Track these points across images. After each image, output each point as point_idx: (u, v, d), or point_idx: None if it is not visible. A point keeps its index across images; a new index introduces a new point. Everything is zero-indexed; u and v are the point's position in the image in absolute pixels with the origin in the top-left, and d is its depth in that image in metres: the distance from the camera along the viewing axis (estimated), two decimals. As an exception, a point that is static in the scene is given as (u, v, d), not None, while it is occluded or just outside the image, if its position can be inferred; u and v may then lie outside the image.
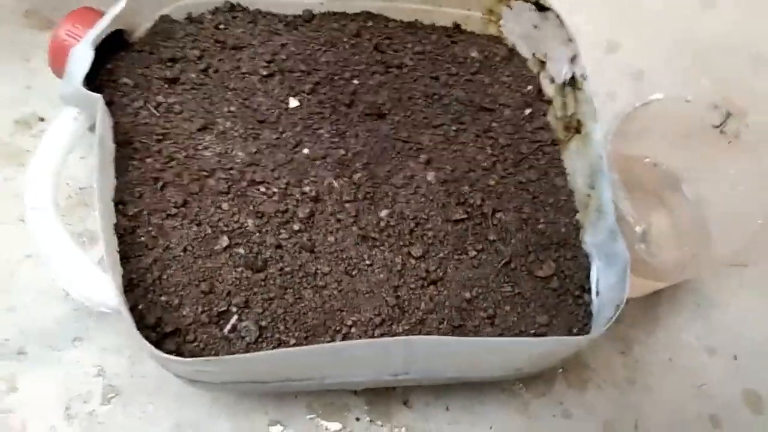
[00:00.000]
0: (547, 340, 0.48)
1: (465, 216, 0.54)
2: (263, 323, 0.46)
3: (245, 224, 0.49)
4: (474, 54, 0.63)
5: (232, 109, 0.54)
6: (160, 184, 0.49)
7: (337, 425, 0.54)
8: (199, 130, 0.52)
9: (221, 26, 0.58)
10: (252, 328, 0.45)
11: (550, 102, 0.61)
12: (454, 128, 0.58)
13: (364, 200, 0.52)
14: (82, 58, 0.47)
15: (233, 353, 0.44)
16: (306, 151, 0.54)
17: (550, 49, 0.61)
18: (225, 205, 0.49)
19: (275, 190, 0.51)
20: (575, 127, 0.57)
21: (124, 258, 0.45)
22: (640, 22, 0.83)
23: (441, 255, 0.52)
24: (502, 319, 0.50)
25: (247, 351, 0.45)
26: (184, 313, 0.45)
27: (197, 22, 0.58)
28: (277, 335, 0.46)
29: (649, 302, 0.64)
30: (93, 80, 0.50)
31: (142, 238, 0.47)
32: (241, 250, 0.48)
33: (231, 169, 0.51)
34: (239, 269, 0.47)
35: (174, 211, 0.48)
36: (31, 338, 0.54)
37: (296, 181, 0.52)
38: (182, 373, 0.44)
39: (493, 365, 0.50)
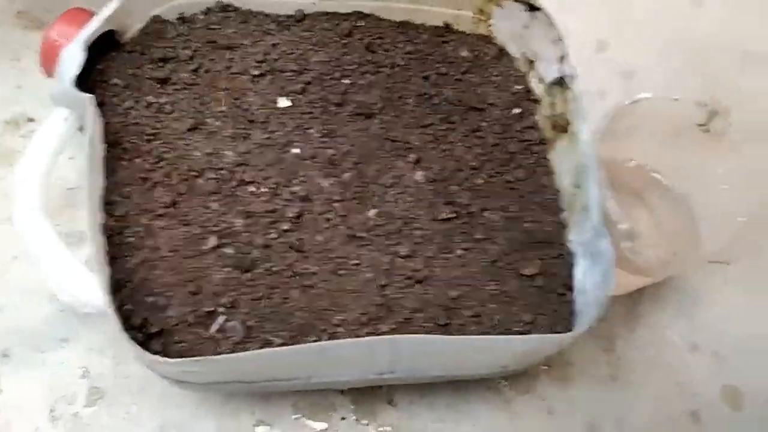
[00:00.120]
0: (531, 337, 0.49)
1: (452, 215, 0.54)
2: (250, 323, 0.46)
3: (234, 224, 0.50)
4: (464, 53, 0.63)
5: (223, 109, 0.54)
6: (149, 184, 0.49)
7: (322, 425, 0.55)
8: (189, 130, 0.52)
9: (213, 26, 0.58)
10: (239, 328, 0.46)
11: (538, 101, 0.62)
12: (443, 128, 0.59)
13: (353, 200, 0.53)
14: (73, 58, 0.48)
15: (220, 353, 0.44)
16: (296, 150, 0.54)
17: (539, 48, 0.61)
18: (214, 205, 0.50)
19: (264, 189, 0.52)
20: (563, 127, 0.58)
21: (112, 258, 0.46)
22: (629, 22, 0.83)
23: (428, 254, 0.52)
24: (487, 317, 0.51)
25: (233, 351, 0.45)
26: (171, 313, 0.45)
27: (189, 23, 0.58)
28: (263, 335, 0.46)
29: (632, 300, 0.65)
30: (84, 81, 0.51)
31: (131, 239, 0.47)
32: (230, 250, 0.48)
33: (220, 169, 0.52)
34: (227, 269, 0.48)
35: (162, 211, 0.49)
36: (16, 339, 0.55)
37: (285, 181, 0.52)
38: (168, 373, 0.44)
39: (478, 363, 0.51)
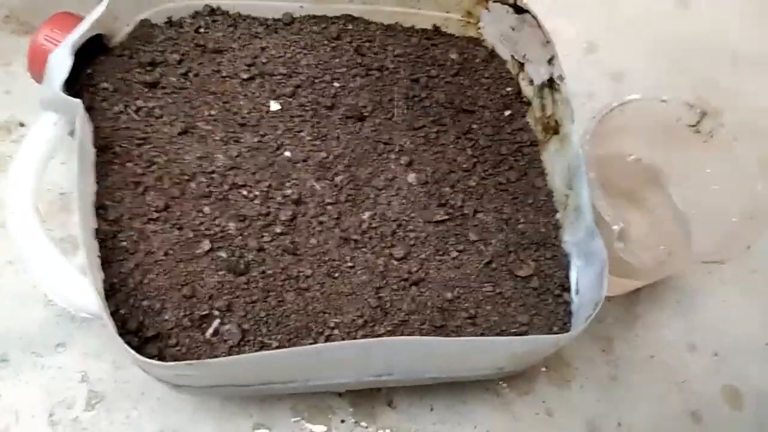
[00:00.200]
0: (527, 339, 0.49)
1: (446, 217, 0.54)
2: (246, 326, 0.46)
3: (227, 228, 0.49)
4: (454, 56, 0.63)
5: (213, 112, 0.54)
6: (141, 188, 0.49)
7: (321, 428, 0.55)
8: (179, 134, 0.52)
9: (201, 30, 0.58)
10: (234, 331, 0.45)
11: (529, 103, 0.62)
12: (434, 130, 0.59)
13: (346, 202, 0.53)
14: (60, 62, 0.47)
15: (216, 357, 0.44)
16: (287, 153, 0.54)
17: (529, 50, 0.61)
18: (206, 209, 0.50)
19: (257, 193, 0.51)
20: (554, 128, 0.58)
21: (106, 263, 0.45)
22: (618, 24, 0.84)
23: (423, 256, 0.52)
24: (483, 318, 0.51)
25: (229, 354, 0.45)
26: (166, 317, 0.45)
27: (177, 26, 0.58)
28: (259, 338, 0.46)
29: (629, 300, 0.65)
30: (72, 85, 0.50)
31: (124, 243, 0.47)
32: (223, 254, 0.48)
33: (212, 172, 0.51)
34: (221, 273, 0.47)
35: (155, 215, 0.48)
36: (13, 344, 0.54)
37: (278, 184, 0.52)
38: (165, 377, 0.44)
39: (474, 365, 0.50)
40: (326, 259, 0.50)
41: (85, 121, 0.47)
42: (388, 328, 0.48)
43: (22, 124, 0.63)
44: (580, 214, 0.53)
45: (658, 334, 0.64)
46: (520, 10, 0.60)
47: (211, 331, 0.45)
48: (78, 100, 0.47)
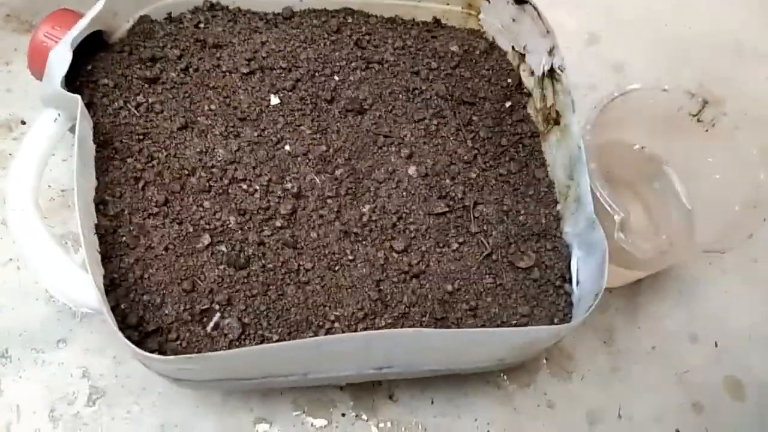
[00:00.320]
0: (527, 330, 0.49)
1: (447, 209, 0.54)
2: (246, 320, 0.46)
3: (227, 222, 0.49)
4: (454, 48, 0.63)
5: (213, 107, 0.54)
6: (141, 183, 0.49)
7: (323, 421, 0.55)
8: (179, 129, 0.52)
9: (201, 25, 0.58)
10: (235, 325, 0.46)
11: (529, 94, 0.62)
12: (434, 122, 0.59)
13: (346, 196, 0.53)
14: (60, 59, 0.47)
15: (216, 351, 0.44)
16: (287, 147, 0.54)
17: (529, 41, 0.61)
18: (207, 203, 0.50)
19: (257, 187, 0.51)
20: (554, 119, 0.58)
21: (106, 258, 0.46)
22: (620, 15, 0.84)
23: (423, 248, 0.52)
24: (484, 310, 0.51)
25: (230, 348, 0.45)
26: (167, 311, 0.45)
27: (177, 22, 0.58)
28: (260, 332, 0.46)
29: (631, 291, 0.65)
30: (73, 81, 0.51)
31: (124, 238, 0.47)
32: (224, 248, 0.48)
33: (212, 167, 0.51)
34: (221, 267, 0.48)
35: (155, 210, 0.48)
36: (14, 341, 0.54)
37: (278, 178, 0.52)
38: (166, 371, 0.44)
39: (474, 356, 0.51)
40: (326, 252, 0.50)
41: (85, 117, 0.48)
42: (389, 321, 0.49)
43: (23, 122, 0.63)
44: (580, 205, 0.53)
45: (659, 325, 0.64)
46: (520, 1, 0.60)
47: (211, 325, 0.46)
48: (77, 96, 0.47)
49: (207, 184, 0.50)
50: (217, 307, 0.46)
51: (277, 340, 0.46)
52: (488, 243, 0.53)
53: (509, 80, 0.63)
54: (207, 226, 0.49)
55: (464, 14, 0.65)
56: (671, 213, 0.63)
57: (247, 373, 0.46)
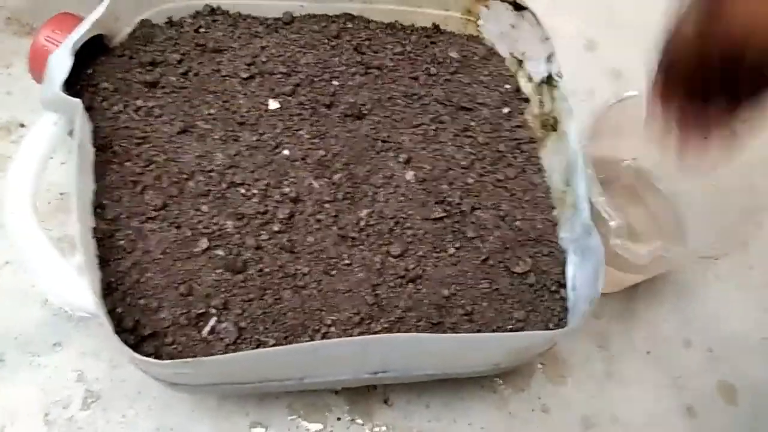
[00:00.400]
0: (522, 335, 0.49)
1: (444, 214, 0.54)
2: (242, 324, 0.46)
3: (225, 226, 0.50)
4: (453, 54, 0.64)
5: (212, 111, 0.54)
6: (139, 187, 0.49)
7: (318, 425, 0.55)
8: (178, 133, 0.53)
9: (201, 30, 0.59)
10: (231, 329, 0.46)
11: (527, 100, 0.62)
12: (433, 128, 0.59)
13: (344, 200, 0.53)
14: (60, 63, 0.47)
15: (212, 355, 0.44)
16: (286, 152, 0.54)
17: (527, 48, 0.62)
18: (204, 207, 0.50)
19: (255, 191, 0.52)
20: (552, 125, 0.58)
21: (103, 261, 0.46)
22: (618, 21, 0.84)
23: (420, 253, 0.52)
24: (479, 315, 0.51)
25: (226, 352, 0.45)
26: (163, 315, 0.45)
27: (177, 26, 0.58)
28: (256, 336, 0.46)
29: (626, 296, 0.65)
30: (73, 85, 0.51)
31: (121, 242, 0.47)
32: (221, 252, 0.49)
33: (211, 171, 0.52)
34: (218, 271, 0.48)
35: (153, 214, 0.49)
36: (10, 344, 0.55)
37: (276, 183, 0.52)
38: (161, 375, 0.44)
39: (470, 361, 0.51)
40: (323, 256, 0.51)
41: (85, 121, 0.48)
42: (385, 326, 0.49)
43: (22, 125, 0.64)
44: (576, 211, 0.53)
45: (654, 330, 0.64)
46: (519, 7, 0.60)
47: (207, 329, 0.46)
48: (77, 100, 0.47)
49: (205, 189, 0.51)
50: (213, 311, 0.46)
51: (273, 345, 0.46)
52: (485, 248, 0.54)
53: (507, 86, 0.63)
54: (205, 230, 0.49)
55: (463, 20, 0.66)
56: (667, 219, 0.63)
57: (243, 378, 0.47)
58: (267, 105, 0.56)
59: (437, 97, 0.60)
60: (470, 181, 0.57)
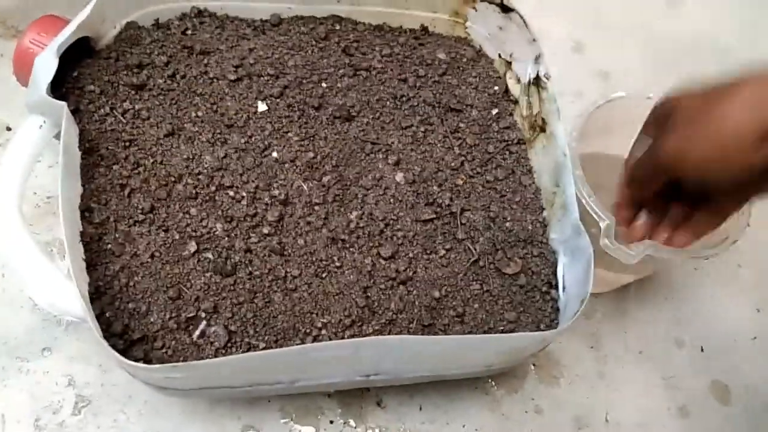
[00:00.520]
0: (513, 336, 0.49)
1: (434, 216, 0.54)
2: (233, 328, 0.46)
3: (214, 229, 0.49)
4: (441, 56, 0.63)
5: (200, 114, 0.54)
6: (127, 190, 0.49)
7: (310, 428, 0.55)
8: (166, 135, 0.52)
9: (188, 32, 0.58)
10: (221, 333, 0.45)
11: (516, 102, 0.62)
12: (422, 129, 0.59)
13: (334, 202, 0.53)
14: (46, 65, 0.47)
15: (202, 359, 0.44)
16: (275, 154, 0.54)
17: (515, 49, 0.61)
18: (193, 210, 0.50)
19: (244, 194, 0.51)
20: (540, 126, 0.58)
21: (91, 266, 0.45)
22: (606, 23, 0.84)
23: (410, 255, 0.52)
24: (471, 316, 0.51)
25: (216, 356, 0.45)
26: (152, 319, 0.45)
27: (164, 28, 0.58)
28: (246, 339, 0.46)
29: (617, 297, 0.65)
30: (59, 88, 0.50)
31: (109, 246, 0.47)
32: (210, 255, 0.48)
33: (199, 174, 0.51)
34: (208, 274, 0.47)
35: (141, 217, 0.48)
36: (-1, 349, 0.54)
37: (265, 185, 0.52)
38: (151, 380, 0.44)
39: (462, 363, 0.51)
40: (314, 259, 0.50)
41: (71, 124, 0.48)
42: (376, 328, 0.49)
43: (8, 128, 0.63)
44: (566, 212, 0.53)
45: (646, 330, 0.65)
46: (506, 9, 0.60)
47: (197, 333, 0.45)
48: (62, 103, 0.47)
49: (194, 191, 0.50)
50: (203, 314, 0.46)
51: (264, 348, 0.46)
52: (475, 249, 0.54)
53: (496, 87, 0.63)
54: (193, 234, 0.49)
55: (451, 22, 0.65)
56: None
57: (234, 381, 0.46)
58: (255, 107, 0.56)
59: (426, 98, 0.60)
60: (459, 182, 0.57)
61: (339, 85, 0.59)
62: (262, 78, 0.57)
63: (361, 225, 0.52)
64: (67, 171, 0.46)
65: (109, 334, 0.43)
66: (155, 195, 0.49)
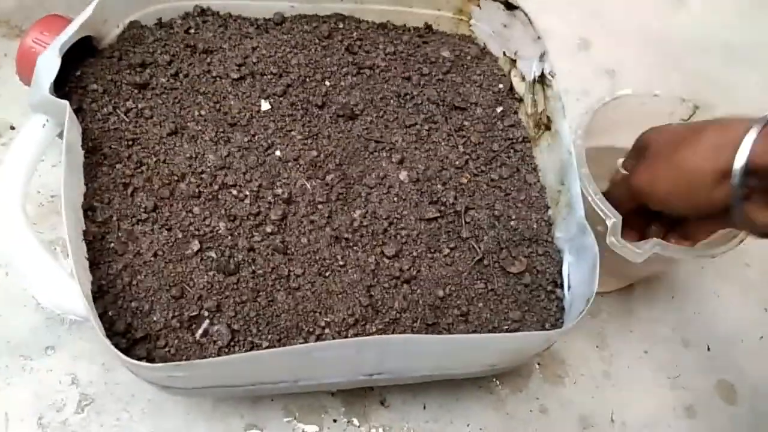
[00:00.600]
0: (517, 335, 0.49)
1: (438, 214, 0.54)
2: (235, 327, 0.46)
3: (217, 228, 0.49)
4: (445, 54, 0.63)
5: (203, 113, 0.54)
6: (130, 189, 0.49)
7: (314, 427, 0.55)
8: (169, 134, 0.52)
9: (191, 31, 0.58)
10: (224, 332, 0.45)
11: (521, 99, 0.62)
12: (426, 128, 0.58)
13: (337, 201, 0.53)
14: (48, 65, 0.47)
15: (205, 358, 0.44)
16: (278, 153, 0.54)
17: (520, 47, 0.61)
18: (196, 209, 0.50)
19: (247, 192, 0.51)
20: (545, 124, 0.58)
21: (94, 264, 0.45)
22: (611, 21, 0.84)
23: (414, 254, 0.52)
24: (475, 316, 0.51)
25: (219, 355, 0.45)
26: (155, 318, 0.45)
27: (167, 27, 0.58)
28: (249, 338, 0.46)
29: (623, 295, 0.65)
30: (62, 87, 0.50)
31: (112, 244, 0.47)
32: (213, 254, 0.48)
33: (202, 173, 0.51)
34: (211, 273, 0.47)
35: (144, 216, 0.48)
36: (2, 348, 0.54)
37: (268, 184, 0.52)
38: (154, 379, 0.44)
39: (466, 362, 0.50)
40: (317, 258, 0.50)
41: (74, 123, 0.47)
42: (380, 327, 0.48)
43: (12, 127, 0.63)
44: (571, 210, 0.53)
45: (651, 329, 0.64)
46: (511, 6, 0.60)
47: (200, 331, 0.45)
48: (65, 102, 0.46)
49: (197, 190, 0.50)
50: (206, 313, 0.46)
51: (267, 347, 0.45)
52: (479, 248, 0.53)
53: (500, 85, 0.63)
54: (196, 232, 0.49)
55: (455, 20, 0.65)
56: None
57: (237, 380, 0.46)
58: (258, 106, 0.56)
59: (430, 96, 0.60)
60: (464, 181, 0.56)
61: (342, 83, 0.59)
62: (265, 76, 0.57)
63: (365, 224, 0.52)
64: (70, 170, 0.46)
65: (112, 332, 0.43)
66: (158, 194, 0.49)
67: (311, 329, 0.47)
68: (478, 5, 0.63)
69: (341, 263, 0.50)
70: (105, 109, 0.51)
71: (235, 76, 0.56)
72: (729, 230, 0.55)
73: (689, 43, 0.84)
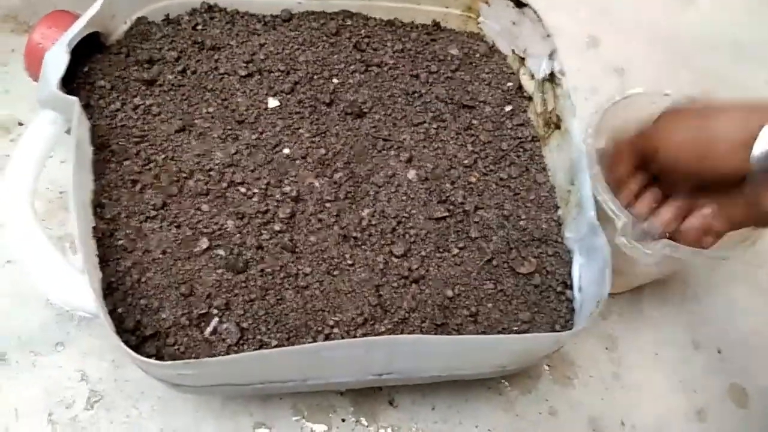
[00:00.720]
0: (527, 336, 0.48)
1: (447, 214, 0.53)
2: (244, 325, 0.46)
3: (225, 225, 0.49)
4: (454, 51, 0.63)
5: (211, 110, 0.54)
6: (138, 186, 0.49)
7: (322, 426, 0.54)
8: (177, 131, 0.52)
9: (199, 27, 0.58)
10: (233, 330, 0.45)
11: (530, 98, 0.61)
12: (434, 126, 0.58)
13: (345, 199, 0.52)
14: (56, 61, 0.47)
15: (214, 356, 0.44)
16: (286, 151, 0.53)
17: (529, 45, 0.61)
18: (204, 207, 0.49)
19: (255, 190, 0.51)
20: (555, 123, 0.57)
21: (103, 261, 0.45)
22: (621, 18, 0.84)
23: (423, 253, 0.52)
24: (484, 316, 0.50)
25: (228, 353, 0.44)
26: (164, 316, 0.45)
27: (174, 24, 0.58)
28: (258, 337, 0.45)
29: (633, 297, 0.65)
30: (70, 83, 0.50)
31: (121, 241, 0.46)
32: (222, 252, 0.48)
33: (210, 170, 0.51)
34: (219, 271, 0.47)
35: (153, 213, 0.48)
36: (12, 344, 0.54)
37: (276, 182, 0.52)
38: (163, 376, 0.43)
39: (475, 363, 0.50)
40: (325, 256, 0.50)
41: (82, 119, 0.47)
42: (389, 327, 0.48)
43: (20, 123, 0.63)
44: (581, 210, 0.52)
45: (662, 331, 0.64)
46: (520, 4, 0.60)
47: (209, 329, 0.45)
48: (74, 98, 0.46)
49: (205, 188, 0.50)
50: (215, 311, 0.46)
51: (276, 346, 0.45)
52: (489, 248, 0.53)
53: (509, 84, 0.62)
54: (205, 230, 0.48)
55: (464, 17, 0.65)
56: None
57: (246, 379, 0.46)
58: (266, 103, 0.55)
59: (438, 95, 0.60)
60: (473, 180, 0.56)
61: (350, 81, 0.59)
62: (272, 74, 0.57)
63: (373, 222, 0.52)
64: (79, 166, 0.45)
65: (121, 330, 0.43)
66: (166, 191, 0.49)
67: (320, 328, 0.47)
68: (487, 2, 0.63)
69: (350, 262, 0.50)
70: (113, 106, 0.51)
71: (243, 73, 0.56)
72: (740, 232, 0.54)
73: (698, 40, 0.83)
